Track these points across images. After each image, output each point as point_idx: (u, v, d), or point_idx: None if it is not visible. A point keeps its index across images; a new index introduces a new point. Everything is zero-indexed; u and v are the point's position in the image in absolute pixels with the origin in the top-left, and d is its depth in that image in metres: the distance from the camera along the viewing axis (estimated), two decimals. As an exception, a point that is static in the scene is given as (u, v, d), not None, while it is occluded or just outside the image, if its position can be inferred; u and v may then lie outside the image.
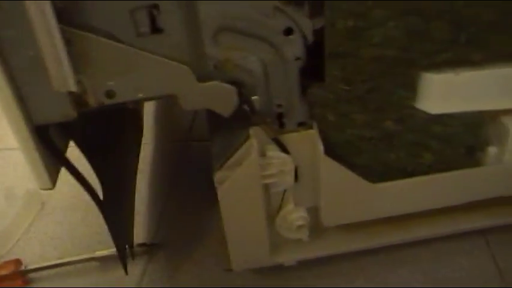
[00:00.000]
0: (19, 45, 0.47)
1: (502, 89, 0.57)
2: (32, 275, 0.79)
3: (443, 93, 0.58)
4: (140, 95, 0.53)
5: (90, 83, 0.51)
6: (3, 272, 0.77)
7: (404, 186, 0.64)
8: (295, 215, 0.64)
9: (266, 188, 0.62)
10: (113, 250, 0.78)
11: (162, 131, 1.12)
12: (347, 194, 0.63)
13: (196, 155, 1.02)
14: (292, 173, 0.61)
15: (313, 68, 0.57)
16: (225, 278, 0.75)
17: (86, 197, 0.90)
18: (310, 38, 0.53)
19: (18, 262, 0.79)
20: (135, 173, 0.83)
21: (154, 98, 0.54)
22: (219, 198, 0.61)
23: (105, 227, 0.80)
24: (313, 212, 0.66)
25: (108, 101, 0.53)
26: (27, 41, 0.46)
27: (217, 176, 0.60)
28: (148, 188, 0.95)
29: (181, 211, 0.89)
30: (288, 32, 0.53)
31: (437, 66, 0.56)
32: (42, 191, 0.92)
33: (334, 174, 0.61)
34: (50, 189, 0.56)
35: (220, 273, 0.76)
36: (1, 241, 0.85)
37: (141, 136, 0.90)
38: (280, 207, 0.65)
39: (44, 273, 0.80)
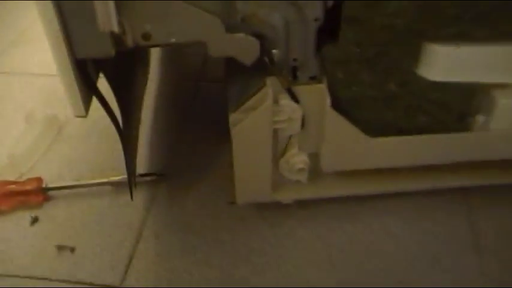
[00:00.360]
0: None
1: (496, 65, 0.64)
2: (51, 192, 0.87)
3: (444, 63, 0.64)
4: (173, 40, 0.58)
5: (130, 25, 0.56)
6: (28, 187, 0.85)
7: (398, 143, 0.71)
8: (297, 158, 0.71)
9: (275, 132, 0.69)
10: (124, 176, 0.86)
11: (173, 69, 1.17)
12: (346, 144, 0.70)
13: (206, 95, 1.08)
14: (300, 121, 0.68)
15: (329, 28, 0.62)
16: (228, 209, 0.83)
17: (99, 127, 0.98)
18: (330, 2, 0.59)
19: (39, 180, 0.86)
20: (142, 106, 0.89)
21: (184, 44, 0.59)
22: (232, 137, 0.67)
23: (116, 154, 0.89)
24: (314, 158, 0.73)
25: (143, 43, 0.58)
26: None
27: (232, 117, 0.67)
28: (160, 121, 1.02)
29: (191, 145, 0.95)
30: (312, -7, 0.58)
31: (442, 38, 0.62)
32: (60, 117, 1.00)
33: (337, 125, 0.68)
34: (84, 116, 0.63)
35: (224, 205, 0.84)
36: (22, 160, 0.91)
37: (148, 70, 0.97)
38: (285, 151, 0.72)
39: (62, 192, 0.87)
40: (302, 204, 0.81)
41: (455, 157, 0.74)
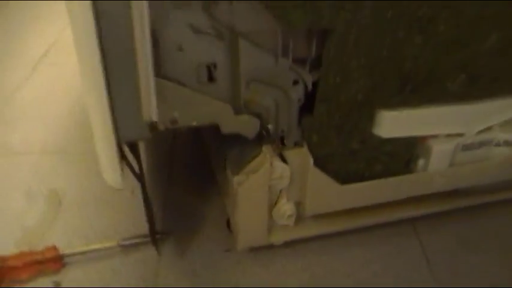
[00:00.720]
0: (124, 84, 0.68)
1: (428, 122, 0.86)
2: (66, 259, 0.98)
3: (392, 124, 0.86)
4: (194, 123, 0.76)
5: (162, 114, 0.73)
6: (46, 256, 0.95)
7: (362, 187, 0.91)
8: (287, 207, 0.89)
9: (269, 188, 0.87)
10: (131, 238, 0.99)
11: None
12: (324, 192, 0.89)
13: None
14: (289, 177, 0.86)
15: (306, 105, 0.82)
16: (225, 256, 0.98)
17: (94, 196, 1.11)
18: (310, 87, 0.79)
19: (55, 248, 0.97)
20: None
21: (202, 125, 0.77)
22: (236, 195, 0.84)
23: (116, 218, 1.02)
24: (297, 205, 0.92)
25: (171, 126, 0.75)
26: (131, 84, 0.67)
27: (236, 179, 0.84)
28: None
29: (180, 202, 1.10)
30: (295, 82, 0.78)
31: (389, 106, 0.84)
32: (58, 191, 1.12)
33: (317, 178, 0.87)
34: (121, 189, 0.77)
35: (221, 252, 0.99)
36: (33, 232, 1.02)
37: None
38: (276, 202, 0.90)
39: (76, 258, 0.98)
40: (288, 244, 0.98)
41: (404, 194, 0.95)
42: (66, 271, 0.96)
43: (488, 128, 0.93)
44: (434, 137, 0.91)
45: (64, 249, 0.98)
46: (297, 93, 0.79)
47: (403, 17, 0.74)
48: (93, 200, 1.12)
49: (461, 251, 1.01)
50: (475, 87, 0.86)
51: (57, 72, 1.59)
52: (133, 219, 1.07)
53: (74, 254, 0.98)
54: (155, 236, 0.93)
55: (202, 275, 0.95)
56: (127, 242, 1.00)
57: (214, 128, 0.78)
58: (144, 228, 1.03)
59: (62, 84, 1.52)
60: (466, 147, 0.93)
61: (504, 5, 0.77)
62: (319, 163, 0.87)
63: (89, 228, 1.06)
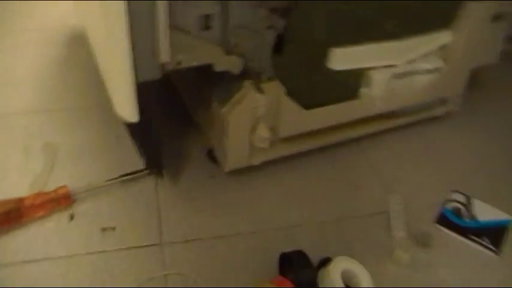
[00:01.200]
0: (145, 31, 0.84)
1: (369, 57, 1.11)
2: (75, 196, 1.13)
3: (342, 58, 1.09)
4: (194, 63, 0.94)
5: (172, 56, 0.90)
6: (59, 193, 1.10)
7: (322, 111, 1.14)
8: (264, 131, 1.10)
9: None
10: (129, 174, 1.16)
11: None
12: (294, 117, 1.11)
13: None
14: (265, 106, 1.07)
15: (277, 46, 1.03)
16: (213, 182, 1.18)
17: (83, 144, 1.25)
18: (281, 30, 1.00)
19: (65, 187, 1.12)
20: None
21: (201, 64, 0.95)
22: (227, 124, 1.04)
23: (108, 161, 1.18)
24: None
25: (176, 67, 0.93)
26: (150, 31, 0.84)
27: (226, 108, 1.03)
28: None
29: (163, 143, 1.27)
30: (270, 27, 0.98)
31: (340, 44, 1.07)
32: (53, 144, 1.25)
33: (288, 105, 1.08)
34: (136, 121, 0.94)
35: (208, 179, 1.19)
36: (38, 181, 1.15)
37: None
38: (255, 127, 1.10)
39: (83, 194, 1.13)
40: (262, 167, 1.19)
41: (355, 115, 1.20)
42: (77, 205, 1.12)
43: (413, 60, 1.19)
44: (374, 68, 1.15)
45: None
46: (271, 36, 1.00)
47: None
48: (84, 149, 1.26)
49: (397, 161, 1.28)
50: (403, 26, 1.11)
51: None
52: (123, 160, 1.22)
53: (81, 192, 1.13)
54: (161, 167, 1.11)
55: (196, 198, 1.15)
56: (128, 177, 1.17)
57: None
58: (135, 166, 1.20)
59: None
60: (398, 76, 1.18)
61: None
62: (289, 93, 1.08)
63: (86, 172, 1.20)
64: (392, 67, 1.17)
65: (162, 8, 0.82)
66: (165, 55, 0.88)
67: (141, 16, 0.82)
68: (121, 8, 0.79)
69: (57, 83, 1.47)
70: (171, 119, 1.34)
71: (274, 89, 1.06)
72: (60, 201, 1.11)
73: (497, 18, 1.21)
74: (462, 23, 1.17)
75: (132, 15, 0.81)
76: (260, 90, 1.05)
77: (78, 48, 1.64)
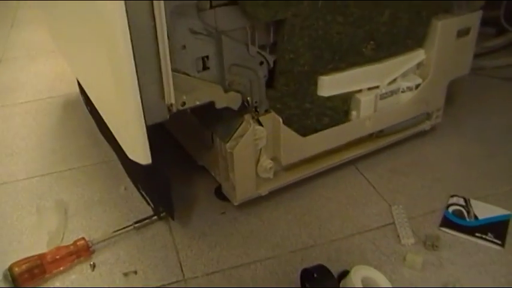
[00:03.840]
0: (151, 77, 0.92)
1: (351, 80, 1.19)
2: (94, 247, 1.16)
3: (329, 85, 1.18)
4: (197, 102, 1.01)
5: (176, 98, 0.98)
6: (79, 245, 1.14)
7: (318, 137, 1.22)
8: (267, 162, 1.17)
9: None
10: (142, 220, 1.21)
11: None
12: (293, 144, 1.18)
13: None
14: (266, 137, 1.14)
15: (269, 79, 1.11)
16: (224, 217, 1.23)
17: (93, 198, 1.30)
18: (271, 65, 1.08)
19: (84, 239, 1.16)
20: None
21: (203, 104, 1.02)
22: (231, 158, 1.10)
23: (119, 214, 1.23)
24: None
25: (181, 108, 1.00)
26: (156, 77, 0.92)
27: (230, 144, 1.10)
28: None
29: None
30: (261, 63, 1.07)
31: (326, 72, 1.15)
32: (64, 200, 1.29)
33: (287, 134, 1.16)
34: (150, 163, 1.00)
35: (219, 215, 1.24)
36: (55, 237, 1.19)
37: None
38: (258, 159, 1.17)
39: (100, 244, 1.17)
40: (269, 197, 1.25)
41: (347, 138, 1.28)
42: (97, 255, 1.15)
43: (394, 80, 1.28)
44: (360, 91, 1.24)
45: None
46: (263, 71, 1.08)
47: (328, 5, 1.06)
48: (94, 202, 1.31)
49: (393, 176, 1.34)
50: (381, 50, 1.21)
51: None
52: (134, 209, 1.27)
53: (99, 241, 1.17)
54: (172, 210, 1.16)
55: (210, 234, 1.19)
56: (141, 223, 1.21)
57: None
58: (145, 213, 1.25)
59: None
60: (383, 96, 1.27)
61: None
62: (285, 123, 1.16)
63: (100, 223, 1.24)
64: (377, 88, 1.26)
65: (164, 54, 0.90)
66: (170, 97, 0.95)
67: (146, 61, 0.89)
68: (128, 54, 0.87)
69: (59, 146, 1.53)
70: (174, 166, 1.40)
71: (272, 120, 1.14)
72: (80, 253, 1.14)
73: (464, 33, 1.32)
74: (431, 40, 1.28)
75: (139, 60, 0.88)
76: (259, 122, 1.12)
77: (73, 113, 1.72)
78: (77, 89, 1.78)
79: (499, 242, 1.12)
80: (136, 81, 0.89)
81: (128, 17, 0.83)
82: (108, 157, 1.48)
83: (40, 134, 1.60)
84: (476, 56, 1.72)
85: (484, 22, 1.38)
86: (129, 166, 1.35)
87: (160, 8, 0.86)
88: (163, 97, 0.95)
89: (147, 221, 1.22)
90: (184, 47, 0.96)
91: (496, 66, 1.85)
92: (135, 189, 1.33)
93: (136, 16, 0.85)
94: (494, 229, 1.15)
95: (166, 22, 0.88)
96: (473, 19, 1.32)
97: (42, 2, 1.41)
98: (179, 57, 0.96)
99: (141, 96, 0.92)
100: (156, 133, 0.98)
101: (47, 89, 1.87)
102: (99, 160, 1.47)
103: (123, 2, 0.82)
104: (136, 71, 0.89)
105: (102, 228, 1.22)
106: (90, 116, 1.64)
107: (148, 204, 1.27)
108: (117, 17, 0.83)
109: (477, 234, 1.14)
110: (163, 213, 1.24)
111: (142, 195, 1.30)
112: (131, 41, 0.86)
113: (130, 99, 0.91)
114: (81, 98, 1.74)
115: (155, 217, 1.23)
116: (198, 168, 1.33)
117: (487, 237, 1.13)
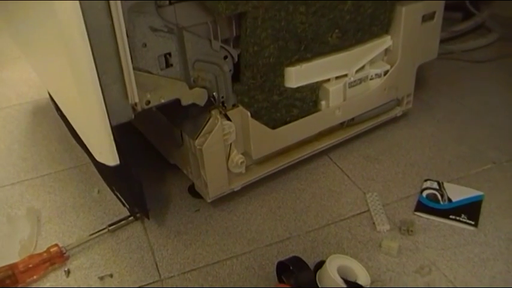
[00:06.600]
0: (113, 77, 0.90)
1: (321, 70, 1.19)
2: (68, 252, 1.15)
3: (297, 76, 1.17)
4: (162, 100, 1.00)
5: (139, 97, 0.96)
6: (52, 252, 1.12)
7: (288, 129, 1.21)
8: (238, 157, 1.16)
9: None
10: (116, 222, 1.19)
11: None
12: (263, 137, 1.18)
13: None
14: (235, 132, 1.13)
15: (235, 74, 1.10)
16: (198, 215, 1.22)
17: (68, 204, 1.28)
18: (236, 59, 1.07)
19: (57, 245, 1.14)
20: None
21: (168, 102, 1.01)
22: (201, 155, 1.09)
23: (92, 215, 1.21)
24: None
25: (146, 106, 0.99)
26: (118, 77, 0.90)
27: (198, 140, 1.09)
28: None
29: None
30: (226, 57, 1.06)
31: (292, 63, 1.15)
32: (35, 208, 1.27)
33: (256, 128, 1.15)
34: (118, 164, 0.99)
35: (193, 213, 1.23)
36: (27, 245, 1.17)
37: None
38: (229, 154, 1.16)
39: (74, 249, 1.16)
40: (242, 192, 1.24)
41: (318, 128, 1.27)
42: (71, 261, 1.13)
43: (362, 67, 1.28)
44: (327, 80, 1.23)
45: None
46: (228, 65, 1.07)
47: (289, -5, 1.06)
48: (67, 207, 1.29)
49: (367, 163, 1.35)
50: (346, 38, 1.21)
51: None
52: (108, 212, 1.26)
53: (73, 247, 1.16)
54: (146, 210, 1.15)
55: (185, 232, 1.18)
56: (115, 226, 1.20)
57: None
58: (120, 215, 1.24)
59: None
60: (351, 84, 1.27)
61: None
62: (253, 116, 1.15)
63: (73, 229, 1.22)
64: (345, 77, 1.26)
65: (125, 53, 0.88)
66: (133, 96, 0.94)
67: (106, 60, 0.88)
68: (87, 54, 0.85)
69: (30, 154, 1.51)
70: (147, 166, 1.39)
71: (240, 114, 1.13)
72: (54, 259, 1.12)
73: (429, 17, 1.32)
74: (397, 26, 1.28)
75: (99, 60, 0.87)
76: (227, 117, 1.11)
77: (43, 119, 1.69)
78: (47, 95, 1.75)
79: (473, 222, 1.13)
80: (98, 82, 0.88)
81: (85, 16, 0.82)
82: (80, 161, 1.45)
83: (9, 143, 1.57)
84: (445, 40, 1.74)
85: (451, 7, 1.38)
86: (102, 168, 1.33)
87: (117, 7, 0.85)
88: (126, 96, 0.93)
89: (122, 222, 1.21)
90: (145, 45, 0.94)
91: (465, 50, 1.86)
92: (108, 192, 1.32)
93: (93, 16, 0.83)
94: (468, 210, 1.16)
95: (125, 20, 0.87)
96: (437, 3, 1.32)
97: (0, 8, 1.38)
98: (140, 55, 0.95)
99: (103, 97, 0.90)
100: (126, 134, 0.97)
101: (15, 95, 1.84)
102: (71, 165, 1.44)
103: (77, 2, 0.80)
104: (97, 71, 0.87)
105: (76, 234, 1.21)
106: (61, 121, 1.61)
107: (124, 205, 1.26)
108: (73, 17, 0.81)
109: (451, 217, 1.15)
110: (139, 214, 1.23)
111: (117, 197, 1.28)
112: (89, 41, 0.84)
113: (93, 99, 0.90)
114: (51, 103, 1.72)
115: (131, 218, 1.22)
116: (170, 167, 1.32)
117: (461, 219, 1.14)
